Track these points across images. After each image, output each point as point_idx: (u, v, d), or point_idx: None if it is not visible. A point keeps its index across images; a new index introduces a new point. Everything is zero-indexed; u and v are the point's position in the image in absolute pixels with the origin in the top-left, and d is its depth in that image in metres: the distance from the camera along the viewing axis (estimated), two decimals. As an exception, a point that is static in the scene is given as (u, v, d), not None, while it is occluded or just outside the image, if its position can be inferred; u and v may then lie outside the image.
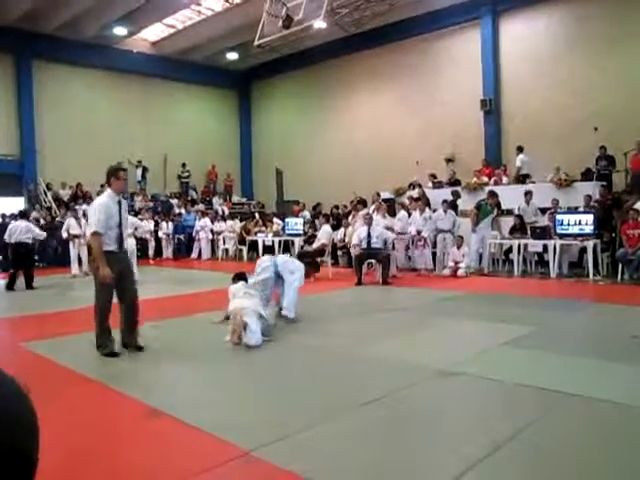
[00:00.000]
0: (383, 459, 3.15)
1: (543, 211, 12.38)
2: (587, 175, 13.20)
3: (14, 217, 12.90)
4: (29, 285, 11.13)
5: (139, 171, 21.20)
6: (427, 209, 12.75)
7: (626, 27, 14.02)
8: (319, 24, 14.51)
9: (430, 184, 15.97)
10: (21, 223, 11.50)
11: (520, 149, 15.01)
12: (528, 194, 12.58)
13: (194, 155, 22.48)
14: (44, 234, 12.51)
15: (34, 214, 16.77)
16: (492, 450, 3.16)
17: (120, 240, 5.61)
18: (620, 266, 10.40)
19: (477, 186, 14.34)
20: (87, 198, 18.83)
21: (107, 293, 5.57)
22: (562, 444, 3.28)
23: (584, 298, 8.74)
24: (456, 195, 13.88)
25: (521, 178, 14.38)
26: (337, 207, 17.16)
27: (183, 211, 19.54)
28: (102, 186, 19.57)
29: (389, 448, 3.30)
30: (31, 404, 0.84)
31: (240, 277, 7.23)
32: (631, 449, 3.20)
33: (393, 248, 12.01)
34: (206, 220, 18.27)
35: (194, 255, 18.25)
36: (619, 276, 10.34)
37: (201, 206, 20.06)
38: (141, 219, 15.19)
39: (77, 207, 15.44)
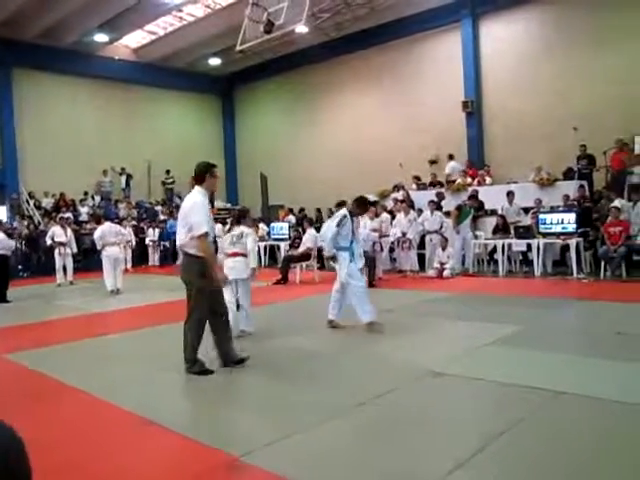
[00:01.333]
0: (373, 461, 3.17)
1: (526, 210, 12.50)
2: (568, 174, 13.34)
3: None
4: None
5: (123, 178, 21.08)
6: (411, 211, 12.81)
7: (604, 28, 14.19)
8: (300, 29, 14.57)
9: (414, 186, 16.07)
10: None
11: (451, 157, 16.30)
12: (510, 194, 12.70)
13: (178, 161, 22.33)
14: (12, 243, 11.86)
15: (15, 224, 16.63)
16: (480, 449, 3.19)
17: (215, 243, 5.32)
18: (603, 264, 10.52)
19: (461, 187, 14.44)
20: (70, 207, 18.72)
21: (206, 303, 5.04)
22: (549, 442, 3.32)
23: (568, 296, 8.82)
24: (440, 197, 13.96)
25: (451, 184, 15.14)
26: (319, 210, 17.19)
27: (169, 218, 19.43)
28: (86, 194, 19.63)
29: (379, 450, 3.32)
30: (24, 452, 0.84)
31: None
32: (619, 445, 3.25)
33: (381, 249, 12.07)
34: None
35: (179, 262, 18.14)
36: (602, 273, 10.46)
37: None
38: (125, 227, 15.08)
39: (62, 215, 15.29)
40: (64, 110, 19.84)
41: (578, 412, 3.80)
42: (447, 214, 12.91)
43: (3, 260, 10.95)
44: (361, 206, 7.13)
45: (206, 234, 4.88)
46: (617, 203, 10.92)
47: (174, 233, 18.09)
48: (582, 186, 12.45)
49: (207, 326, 5.12)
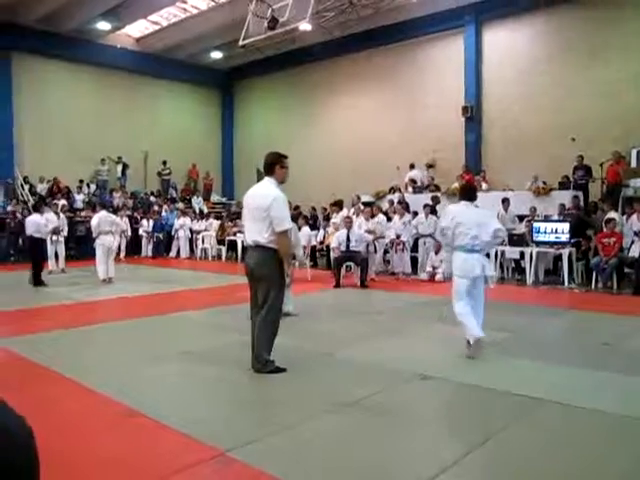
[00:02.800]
0: (358, 461, 3.18)
1: (521, 218, 12.53)
2: (564, 184, 13.39)
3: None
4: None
5: (119, 167, 21.02)
6: (406, 214, 12.84)
7: (605, 38, 14.27)
8: (304, 26, 14.53)
9: (410, 189, 16.09)
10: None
11: (412, 166, 16.71)
12: (505, 201, 12.71)
13: (175, 153, 22.32)
14: (47, 230, 12.04)
15: (9, 208, 16.57)
16: (465, 454, 3.21)
17: None
18: (594, 274, 10.58)
19: (456, 191, 14.43)
20: (65, 193, 18.64)
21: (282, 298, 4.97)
22: (533, 449, 3.34)
23: (559, 305, 8.87)
24: (436, 200, 13.98)
25: (417, 190, 15.68)
26: (314, 209, 17.19)
27: (164, 209, 19.40)
28: (81, 181, 19.55)
29: (364, 450, 3.33)
30: (35, 449, 0.84)
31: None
32: (601, 453, 3.27)
33: (375, 251, 12.10)
34: (185, 219, 18.20)
35: (172, 254, 18.16)
36: (593, 284, 10.52)
37: (180, 205, 19.95)
38: (121, 217, 15.02)
39: (56, 202, 15.20)
40: (63, 96, 19.75)
41: (561, 420, 3.83)
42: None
43: (36, 243, 11.17)
44: None
45: (289, 229, 4.89)
46: (612, 215, 10.97)
47: (168, 225, 18.27)
48: (576, 197, 12.51)
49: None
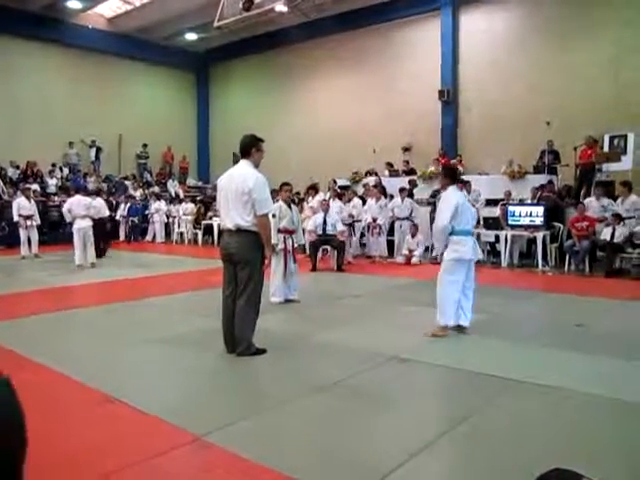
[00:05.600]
0: (335, 443, 3.20)
1: (495, 202, 12.63)
2: (539, 168, 13.52)
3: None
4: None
5: (93, 151, 20.69)
6: (382, 197, 12.87)
7: (581, 23, 14.36)
8: (280, 8, 14.39)
9: (387, 172, 16.12)
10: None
11: (369, 173, 16.10)
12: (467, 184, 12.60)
13: (150, 136, 22.02)
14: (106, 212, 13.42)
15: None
16: (443, 433, 3.27)
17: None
18: (567, 257, 10.75)
19: (432, 175, 14.53)
20: (38, 177, 18.30)
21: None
22: (509, 428, 3.42)
23: (533, 288, 9.00)
24: (412, 184, 14.03)
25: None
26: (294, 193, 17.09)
27: (139, 193, 19.17)
28: (53, 165, 19.19)
29: (341, 432, 3.36)
30: (18, 402, 0.83)
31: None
32: (573, 431, 3.35)
33: (352, 234, 12.16)
34: (161, 203, 18.02)
35: (148, 238, 18.00)
36: (566, 267, 10.69)
37: (156, 188, 19.74)
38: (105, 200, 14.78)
39: (28, 186, 14.90)
40: (33, 77, 19.24)
41: (536, 400, 3.90)
42: (418, 201, 13.01)
43: (101, 223, 12.68)
44: None
45: (268, 214, 4.96)
46: (586, 200, 11.13)
47: (144, 208, 18.05)
48: (551, 181, 12.64)
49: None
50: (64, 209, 11.43)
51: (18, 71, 18.88)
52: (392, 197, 13.34)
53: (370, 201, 12.86)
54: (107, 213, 13.49)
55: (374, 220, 12.43)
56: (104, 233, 13.17)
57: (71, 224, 11.34)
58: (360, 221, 12.77)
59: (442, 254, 5.76)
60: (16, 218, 12.73)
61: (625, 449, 3.14)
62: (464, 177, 13.45)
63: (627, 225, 10.34)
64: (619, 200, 11.01)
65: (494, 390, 4.07)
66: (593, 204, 11.19)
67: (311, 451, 3.10)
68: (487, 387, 4.13)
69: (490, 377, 4.30)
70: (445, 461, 3.04)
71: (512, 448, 3.13)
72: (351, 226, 12.49)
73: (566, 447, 3.12)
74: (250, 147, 4.96)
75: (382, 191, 13.22)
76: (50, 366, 4.60)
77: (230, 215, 4.85)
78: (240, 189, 4.76)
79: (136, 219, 17.93)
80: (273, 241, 6.81)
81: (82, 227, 11.13)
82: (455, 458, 3.08)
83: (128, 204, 17.86)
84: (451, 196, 5.66)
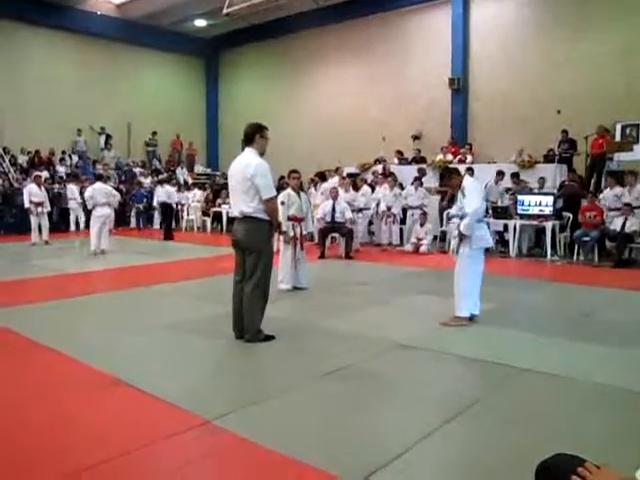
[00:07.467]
0: (343, 427, 3.24)
1: (508, 192, 12.57)
2: (549, 157, 13.44)
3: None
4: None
5: (102, 138, 20.73)
6: (396, 186, 12.85)
7: (592, 12, 14.20)
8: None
9: (396, 160, 16.07)
10: None
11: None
12: (500, 174, 12.64)
13: (159, 123, 22.02)
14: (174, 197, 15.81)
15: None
16: (448, 420, 3.28)
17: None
18: (576, 247, 10.70)
19: (442, 164, 14.47)
20: (47, 164, 18.37)
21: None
22: (514, 415, 3.43)
23: (541, 277, 8.98)
24: (422, 172, 13.99)
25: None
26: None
27: (148, 180, 19.21)
28: (63, 152, 19.26)
29: (348, 417, 3.39)
30: None
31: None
32: (580, 420, 3.36)
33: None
34: (170, 190, 18.02)
35: (157, 225, 18.04)
36: (575, 257, 10.65)
37: (164, 176, 19.77)
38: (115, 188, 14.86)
39: (38, 173, 14.96)
40: (42, 64, 19.25)
41: (542, 388, 3.92)
42: (427, 190, 12.97)
43: (168, 207, 14.94)
44: None
45: (275, 197, 5.01)
46: (618, 190, 11.00)
47: (150, 194, 18.07)
48: (574, 170, 12.53)
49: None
50: (86, 195, 11.54)
51: (26, 58, 18.90)
52: (401, 185, 13.30)
53: (383, 190, 12.82)
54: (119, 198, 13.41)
55: (388, 209, 12.41)
56: None
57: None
58: (369, 209, 12.75)
59: (459, 245, 5.71)
60: (27, 205, 12.77)
61: (629, 436, 3.15)
62: (474, 166, 13.46)
63: (637, 215, 10.28)
64: (626, 189, 10.94)
65: (500, 378, 4.08)
66: (607, 194, 11.11)
67: (318, 435, 3.13)
68: (493, 375, 4.15)
69: (497, 365, 4.32)
70: (450, 447, 3.06)
71: (516, 434, 3.15)
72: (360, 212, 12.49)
73: (571, 433, 3.13)
74: (254, 134, 4.99)
75: (395, 179, 13.18)
76: (59, 350, 4.65)
77: (236, 202, 4.94)
78: (243, 176, 4.82)
79: (141, 206, 17.93)
80: (283, 228, 6.86)
81: (102, 214, 11.20)
82: (458, 444, 3.10)
83: (133, 191, 17.93)
84: (474, 183, 5.75)
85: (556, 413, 3.49)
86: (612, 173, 11.86)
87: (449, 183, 5.92)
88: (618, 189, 11.02)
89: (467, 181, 5.71)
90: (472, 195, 5.56)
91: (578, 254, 10.65)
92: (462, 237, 5.62)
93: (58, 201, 16.08)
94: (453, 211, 5.86)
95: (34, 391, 3.81)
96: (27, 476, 2.70)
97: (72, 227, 16.17)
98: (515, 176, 12.48)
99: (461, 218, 5.63)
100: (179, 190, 18.45)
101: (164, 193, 14.96)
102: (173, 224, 15.85)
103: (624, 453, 2.77)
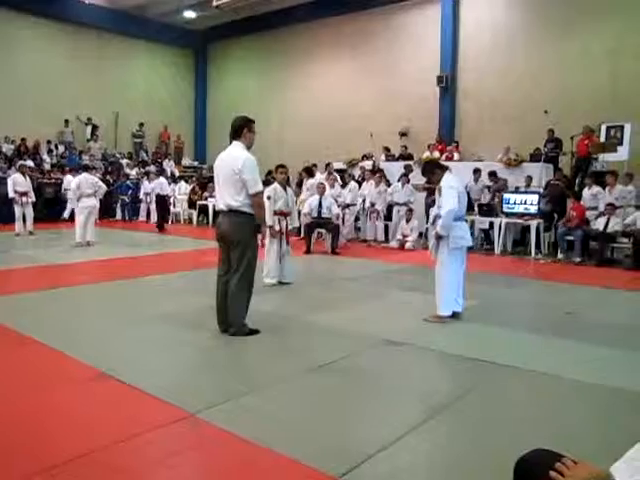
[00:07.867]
0: (326, 423, 3.26)
1: (489, 189, 12.69)
2: (535, 156, 13.55)
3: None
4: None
5: (88, 129, 20.53)
6: (382, 183, 12.90)
7: (581, 13, 14.30)
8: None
9: (383, 157, 16.11)
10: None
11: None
12: (477, 172, 12.84)
13: (146, 115, 21.88)
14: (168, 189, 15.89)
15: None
16: (431, 415, 3.32)
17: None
18: (560, 245, 10.81)
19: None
20: (32, 154, 18.18)
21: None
22: (495, 411, 3.48)
23: (525, 275, 9.08)
24: (408, 169, 14.04)
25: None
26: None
27: (134, 172, 19.08)
28: (49, 142, 19.08)
29: (332, 412, 3.42)
30: None
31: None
32: (560, 416, 3.42)
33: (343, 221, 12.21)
34: (159, 181, 17.93)
35: (142, 217, 17.93)
36: (558, 255, 10.76)
37: (152, 168, 19.65)
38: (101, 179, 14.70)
39: (23, 163, 14.80)
40: (28, 52, 18.95)
41: (524, 384, 3.98)
42: (414, 187, 13.03)
43: (162, 199, 15.31)
44: None
45: (262, 192, 4.99)
46: (595, 189, 11.17)
47: (136, 186, 17.96)
48: (560, 169, 12.67)
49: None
50: (73, 186, 11.39)
51: (13, 45, 18.64)
52: (388, 182, 13.35)
53: (369, 186, 12.86)
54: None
55: (372, 205, 12.45)
56: None
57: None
58: (355, 205, 12.79)
59: (438, 245, 5.67)
60: (11, 194, 12.62)
61: (607, 431, 3.21)
62: (460, 164, 13.55)
63: (618, 215, 10.42)
64: (607, 189, 11.10)
65: (483, 374, 4.13)
66: (585, 193, 11.28)
67: (303, 429, 3.15)
68: (476, 371, 4.20)
69: (480, 361, 4.37)
70: (431, 442, 3.10)
71: (497, 430, 3.20)
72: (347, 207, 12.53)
73: (550, 429, 3.18)
74: (241, 128, 4.98)
75: (382, 176, 13.23)
76: (43, 342, 4.62)
77: (222, 196, 4.93)
78: (231, 169, 4.82)
79: (126, 197, 17.79)
80: (269, 223, 6.88)
81: (88, 205, 11.11)
82: (441, 439, 3.14)
83: (118, 182, 17.81)
84: (452, 182, 5.63)
85: (536, 408, 3.55)
86: (596, 173, 11.99)
87: (432, 179, 5.85)
88: (595, 189, 11.22)
89: (445, 180, 5.60)
90: (447, 195, 5.50)
91: (562, 253, 10.76)
92: (439, 238, 5.59)
93: (44, 191, 15.91)
94: (436, 210, 5.76)
95: (19, 383, 3.79)
96: (8, 466, 2.69)
97: (65, 216, 15.73)
98: (492, 174, 12.64)
99: (436, 218, 5.62)
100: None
101: (158, 185, 15.37)
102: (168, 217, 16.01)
103: (603, 449, 2.82)
